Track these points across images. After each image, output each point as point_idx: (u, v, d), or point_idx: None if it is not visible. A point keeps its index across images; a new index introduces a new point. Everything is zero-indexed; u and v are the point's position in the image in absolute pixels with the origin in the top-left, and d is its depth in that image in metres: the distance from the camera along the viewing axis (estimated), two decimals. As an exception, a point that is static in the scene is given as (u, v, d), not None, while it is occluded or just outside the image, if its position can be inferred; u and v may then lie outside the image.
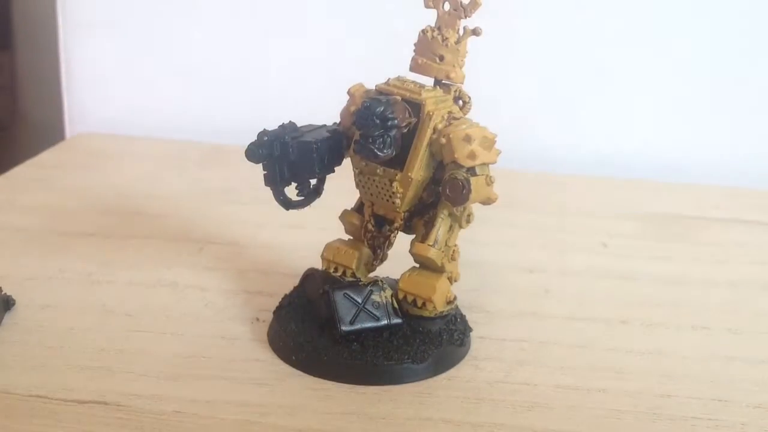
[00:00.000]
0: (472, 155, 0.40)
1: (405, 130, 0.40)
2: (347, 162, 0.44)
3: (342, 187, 0.45)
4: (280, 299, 0.46)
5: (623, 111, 0.81)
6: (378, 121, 0.39)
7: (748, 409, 0.41)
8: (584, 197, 0.72)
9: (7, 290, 0.46)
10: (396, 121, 0.39)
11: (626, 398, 0.41)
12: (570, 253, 0.59)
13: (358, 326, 0.41)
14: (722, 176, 0.78)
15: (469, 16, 0.41)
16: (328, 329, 0.42)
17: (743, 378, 0.43)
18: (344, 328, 0.41)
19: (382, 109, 0.39)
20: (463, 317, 0.45)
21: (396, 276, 0.45)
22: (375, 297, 0.42)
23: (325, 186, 0.44)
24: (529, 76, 0.80)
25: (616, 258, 0.59)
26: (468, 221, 0.43)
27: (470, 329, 0.45)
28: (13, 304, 0.46)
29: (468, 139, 0.40)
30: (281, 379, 0.41)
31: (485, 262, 0.55)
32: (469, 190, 0.39)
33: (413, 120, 0.40)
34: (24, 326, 0.44)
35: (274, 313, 0.45)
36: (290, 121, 0.43)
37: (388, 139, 0.39)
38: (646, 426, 0.39)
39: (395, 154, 0.40)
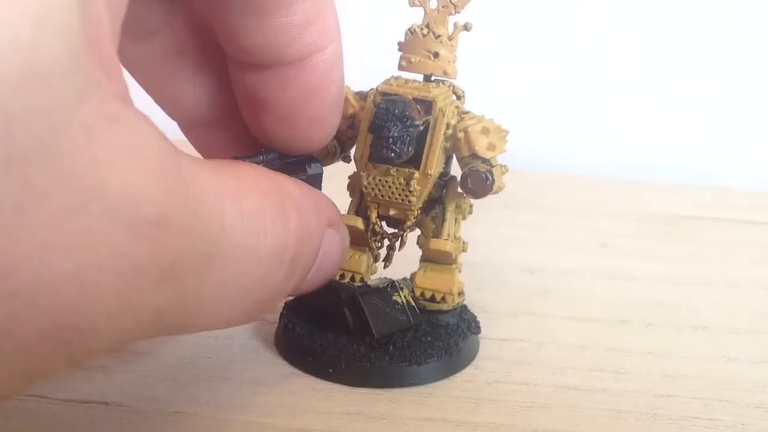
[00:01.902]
0: (492, 146, 0.41)
1: (421, 128, 0.40)
2: (343, 163, 0.44)
3: (342, 187, 0.45)
4: (279, 315, 0.45)
5: (623, 111, 0.81)
6: (398, 122, 0.39)
7: (748, 409, 0.41)
8: (584, 197, 0.72)
9: (7, 290, 0.46)
10: (415, 119, 0.39)
11: (626, 398, 0.41)
12: (570, 253, 0.59)
13: (389, 330, 0.41)
14: (722, 176, 0.79)
15: (459, 12, 0.41)
16: (358, 337, 0.41)
17: (743, 378, 0.43)
18: (378, 333, 0.41)
19: (401, 108, 0.39)
20: (464, 306, 0.46)
21: (388, 275, 0.45)
22: (396, 298, 0.42)
23: (325, 186, 0.44)
24: (529, 75, 0.80)
25: (616, 258, 0.59)
26: (470, 212, 0.44)
27: (476, 316, 0.46)
28: (13, 304, 0.46)
29: (486, 131, 0.41)
30: (281, 379, 0.41)
31: (485, 262, 0.55)
32: (493, 181, 0.40)
33: (429, 118, 0.40)
34: (24, 326, 0.44)
35: (284, 332, 0.44)
36: None
37: (408, 138, 0.40)
38: (646, 426, 0.39)
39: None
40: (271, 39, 0.34)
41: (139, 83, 0.37)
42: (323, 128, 0.38)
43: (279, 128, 0.37)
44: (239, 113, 0.38)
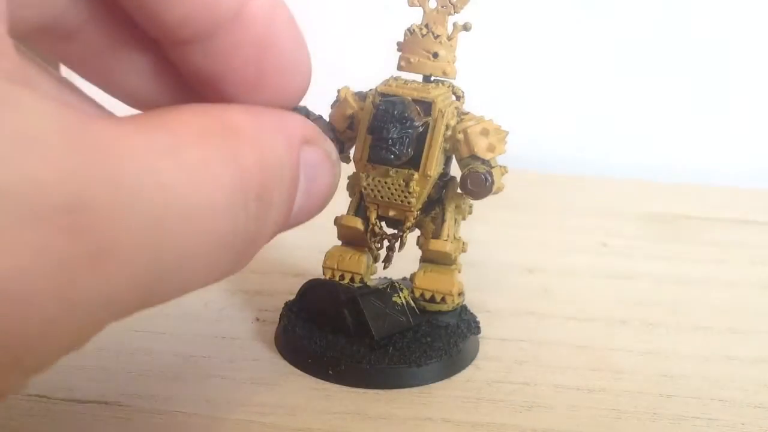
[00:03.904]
0: (492, 148, 0.41)
1: (420, 129, 0.40)
2: (342, 164, 0.44)
3: (342, 187, 0.45)
4: (279, 315, 0.45)
5: (623, 111, 0.81)
6: (398, 123, 0.39)
7: (748, 409, 0.41)
8: (584, 197, 0.72)
9: (7, 290, 0.46)
10: (414, 121, 0.39)
11: (626, 398, 0.41)
12: (570, 253, 0.59)
13: (388, 331, 0.41)
14: (722, 176, 0.79)
15: (458, 12, 0.41)
16: (358, 338, 0.41)
17: (743, 378, 0.43)
18: (378, 334, 0.41)
19: (400, 109, 0.39)
20: (464, 306, 0.46)
21: (387, 276, 0.45)
22: (395, 299, 0.42)
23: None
24: (529, 75, 0.80)
25: (616, 258, 0.59)
26: (469, 212, 0.44)
27: (475, 316, 0.46)
28: (13, 304, 0.46)
29: (485, 132, 0.41)
30: (281, 379, 0.41)
31: (485, 262, 0.55)
32: (493, 182, 0.41)
33: (428, 119, 0.41)
34: (24, 326, 0.44)
35: (284, 332, 0.44)
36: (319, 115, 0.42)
37: (407, 140, 0.40)
38: (646, 426, 0.39)
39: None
40: (193, 1, 0.29)
41: (85, 79, 0.34)
42: (293, 80, 0.32)
43: (245, 99, 0.32)
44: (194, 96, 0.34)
